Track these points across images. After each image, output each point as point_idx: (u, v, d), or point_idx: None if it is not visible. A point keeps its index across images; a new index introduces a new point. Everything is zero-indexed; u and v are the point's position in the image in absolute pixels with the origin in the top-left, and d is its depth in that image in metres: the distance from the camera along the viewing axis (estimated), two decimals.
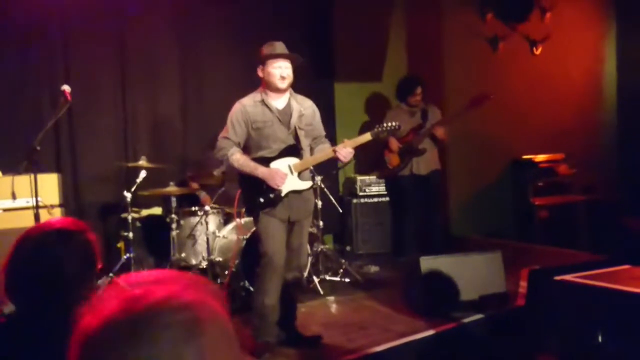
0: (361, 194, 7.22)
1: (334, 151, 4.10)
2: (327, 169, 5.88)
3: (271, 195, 4.05)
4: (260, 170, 4.04)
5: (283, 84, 4.06)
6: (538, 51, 7.81)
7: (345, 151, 4.08)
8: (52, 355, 1.60)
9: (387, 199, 7.19)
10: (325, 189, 6.08)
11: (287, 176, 4.08)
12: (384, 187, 7.22)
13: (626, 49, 8.42)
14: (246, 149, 4.16)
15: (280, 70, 4.03)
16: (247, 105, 4.12)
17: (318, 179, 5.80)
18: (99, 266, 1.81)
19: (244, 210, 4.84)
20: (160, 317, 0.84)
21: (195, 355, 0.84)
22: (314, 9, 7.33)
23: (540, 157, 7.58)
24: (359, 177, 7.26)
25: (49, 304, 1.69)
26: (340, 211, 6.67)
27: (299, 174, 4.14)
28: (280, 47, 4.08)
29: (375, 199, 7.23)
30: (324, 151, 4.22)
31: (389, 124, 4.26)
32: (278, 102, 4.14)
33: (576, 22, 8.16)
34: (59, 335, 1.64)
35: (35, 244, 1.72)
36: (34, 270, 1.69)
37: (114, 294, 0.89)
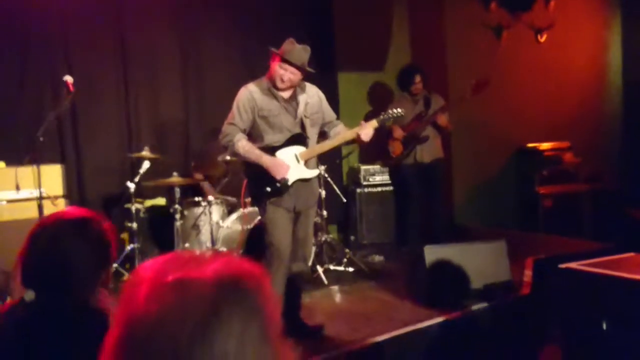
0: (365, 183, 7.18)
1: (356, 133, 4.11)
2: (331, 158, 5.87)
3: (278, 185, 4.04)
4: (264, 159, 4.03)
5: (282, 85, 4.04)
6: (543, 38, 7.76)
7: (366, 131, 4.10)
8: (73, 342, 1.61)
9: (391, 188, 7.18)
10: (329, 179, 6.07)
11: (292, 166, 4.07)
12: (387, 177, 7.20)
13: (631, 36, 8.36)
14: (251, 136, 4.14)
15: (285, 74, 3.99)
16: (253, 91, 4.09)
17: (322, 168, 5.79)
18: (114, 254, 1.82)
19: (249, 200, 4.82)
20: (233, 295, 0.92)
21: (259, 328, 0.92)
22: None
23: (545, 146, 7.54)
24: (363, 167, 7.23)
25: (66, 293, 1.69)
26: (344, 201, 6.65)
27: (306, 163, 4.14)
28: (297, 53, 3.99)
29: (379, 188, 7.20)
30: (341, 134, 4.22)
31: (394, 111, 4.31)
32: (284, 91, 4.13)
33: (580, 10, 8.12)
34: (77, 322, 1.66)
35: (51, 233, 1.72)
36: (50, 260, 1.69)
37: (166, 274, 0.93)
